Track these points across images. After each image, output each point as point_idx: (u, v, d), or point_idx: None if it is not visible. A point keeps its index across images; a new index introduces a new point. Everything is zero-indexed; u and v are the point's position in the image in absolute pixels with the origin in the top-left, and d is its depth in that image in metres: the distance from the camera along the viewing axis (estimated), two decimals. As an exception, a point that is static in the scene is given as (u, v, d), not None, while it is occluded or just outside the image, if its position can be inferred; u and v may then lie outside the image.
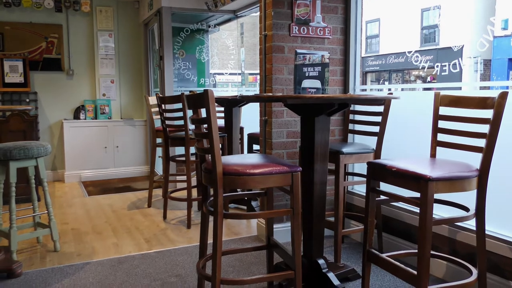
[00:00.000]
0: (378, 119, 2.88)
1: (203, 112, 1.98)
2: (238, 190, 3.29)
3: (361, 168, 3.11)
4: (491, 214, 2.12)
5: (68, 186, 4.90)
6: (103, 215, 3.62)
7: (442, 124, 2.14)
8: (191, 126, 3.34)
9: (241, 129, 4.15)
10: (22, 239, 2.60)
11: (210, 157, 1.81)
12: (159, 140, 5.00)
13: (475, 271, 1.85)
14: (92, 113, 5.40)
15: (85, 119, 5.34)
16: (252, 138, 3.86)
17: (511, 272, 1.97)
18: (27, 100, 5.03)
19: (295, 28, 2.87)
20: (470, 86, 2.30)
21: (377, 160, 1.97)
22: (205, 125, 1.86)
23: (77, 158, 5.22)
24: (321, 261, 2.08)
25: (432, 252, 2.14)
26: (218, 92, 5.67)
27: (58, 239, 2.78)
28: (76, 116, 5.34)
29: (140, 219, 3.48)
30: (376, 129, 2.88)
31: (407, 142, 2.70)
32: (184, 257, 2.62)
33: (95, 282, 2.28)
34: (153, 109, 3.87)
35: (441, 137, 2.14)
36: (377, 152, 2.64)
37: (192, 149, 4.00)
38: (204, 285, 2.11)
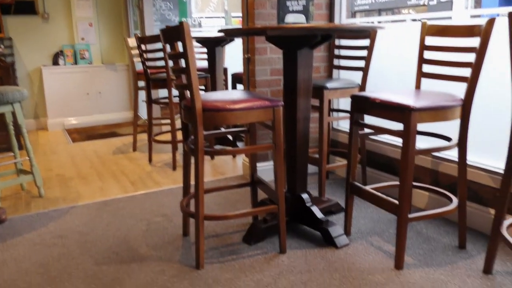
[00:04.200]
0: (364, 53, 2.81)
1: (181, 47, 1.89)
2: (223, 129, 3.26)
3: (346, 104, 3.08)
4: (472, 144, 2.13)
5: (52, 134, 4.83)
6: (88, 161, 3.59)
7: (428, 55, 2.09)
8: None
9: (225, 69, 4.06)
10: (4, 186, 2.57)
11: (189, 94, 1.76)
12: (141, 84, 4.89)
13: (455, 200, 1.88)
14: (72, 59, 5.21)
15: (64, 64, 5.16)
16: (236, 78, 3.78)
17: (490, 200, 2.01)
18: (2, 46, 4.82)
19: (276, -43, 2.70)
20: (460, 15, 2.21)
21: (361, 93, 1.93)
22: (183, 60, 1.78)
23: (59, 105, 5.10)
24: (304, 196, 2.09)
25: (414, 183, 2.17)
26: (202, 33, 5.48)
27: (42, 185, 2.76)
28: (55, 62, 5.15)
29: (125, 163, 3.46)
30: (361, 63, 2.81)
31: (393, 76, 2.65)
32: (170, 198, 2.63)
33: (81, 224, 2.29)
34: (133, 51, 3.73)
35: (426, 68, 2.09)
36: (362, 87, 2.59)
37: (176, 91, 3.91)
38: (189, 223, 2.13)
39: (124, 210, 2.46)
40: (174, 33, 1.78)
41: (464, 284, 1.60)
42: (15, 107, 2.59)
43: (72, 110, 5.18)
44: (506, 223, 1.60)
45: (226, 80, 4.06)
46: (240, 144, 3.65)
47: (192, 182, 2.66)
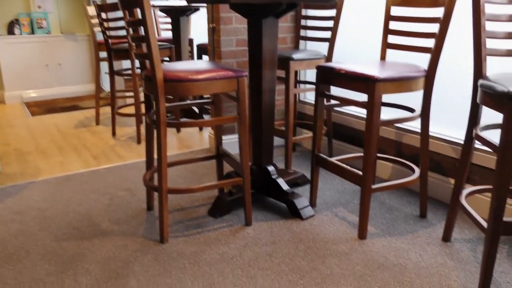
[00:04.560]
0: (331, 24, 2.78)
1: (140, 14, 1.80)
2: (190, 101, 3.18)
3: (313, 76, 3.06)
4: (435, 115, 2.16)
5: (9, 107, 4.61)
6: (48, 135, 3.45)
7: (393, 25, 2.07)
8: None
9: (191, 40, 3.94)
10: (-44, 161, 2.44)
11: (149, 63, 1.68)
12: (103, 55, 4.71)
13: (417, 170, 1.92)
14: (28, 28, 4.93)
15: (20, 34, 4.88)
16: (202, 49, 3.68)
17: (450, 170, 2.06)
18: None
19: None
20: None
21: (326, 64, 1.91)
22: (142, 28, 1.70)
23: (16, 77, 4.85)
24: (270, 168, 2.08)
25: (378, 154, 2.19)
26: (166, 1, 5.28)
27: (-2, 159, 2.64)
28: (11, 32, 4.87)
29: (87, 137, 3.35)
30: (328, 34, 2.78)
31: (359, 47, 2.63)
32: (134, 172, 2.57)
33: (40, 200, 2.20)
34: (93, 21, 3.55)
35: (391, 39, 2.09)
36: (329, 58, 2.57)
37: (138, 62, 3.78)
38: (153, 197, 2.09)
39: (86, 185, 2.39)
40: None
41: (424, 252, 1.64)
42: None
43: (30, 83, 4.95)
44: (464, 192, 1.64)
45: (192, 52, 3.95)
46: (206, 117, 3.59)
47: (156, 155, 2.60)
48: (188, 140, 3.19)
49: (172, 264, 1.61)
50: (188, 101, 3.22)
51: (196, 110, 3.70)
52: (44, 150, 3.04)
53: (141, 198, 2.20)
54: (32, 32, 4.94)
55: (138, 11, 1.80)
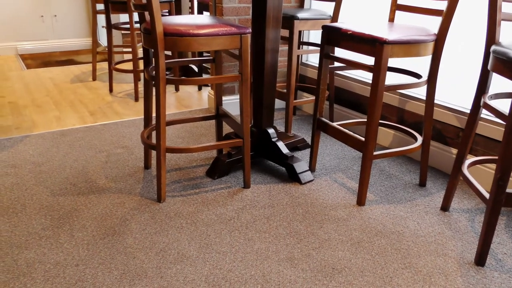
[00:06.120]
0: (338, -17, 2.66)
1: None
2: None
3: (316, 38, 2.97)
4: (440, 83, 2.11)
5: (3, 59, 4.49)
6: (43, 89, 3.38)
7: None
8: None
9: (191, -5, 3.80)
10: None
11: (149, 16, 1.61)
12: (100, 7, 4.55)
13: (420, 138, 1.88)
14: (22, -24, 4.73)
15: (14, -18, 4.69)
16: (202, 5, 3.55)
17: (452, 139, 2.03)
18: None
19: None
20: None
21: (332, 24, 1.83)
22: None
23: (10, 27, 4.70)
24: (270, 130, 2.04)
25: (380, 121, 2.16)
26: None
27: (-8, 112, 2.59)
28: (3, -21, 4.67)
29: (84, 93, 3.28)
30: (335, -6, 2.67)
31: (366, 9, 2.54)
32: (131, 129, 2.53)
33: (36, 154, 2.17)
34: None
35: (401, 0, 2.00)
36: (334, 18, 2.48)
37: (137, 16, 3.65)
38: (151, 156, 2.06)
39: (82, 141, 2.35)
40: None
41: (422, 220, 1.64)
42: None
43: (25, 34, 4.80)
44: (467, 162, 1.62)
45: (192, 7, 3.82)
46: (206, 76, 3.51)
47: (154, 113, 2.55)
48: (187, 100, 3.12)
49: (169, 223, 1.60)
50: (188, 59, 3.14)
51: (195, 68, 3.61)
52: (40, 104, 2.98)
53: (138, 156, 2.17)
54: (26, -19, 4.74)
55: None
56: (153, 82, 1.69)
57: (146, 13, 1.77)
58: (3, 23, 4.64)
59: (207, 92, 3.36)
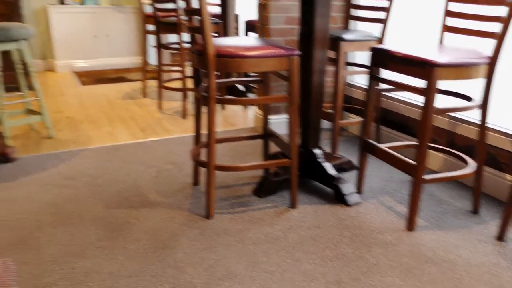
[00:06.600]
0: (385, 3, 2.66)
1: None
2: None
3: (361, 58, 2.97)
4: (493, 106, 2.05)
5: (60, 76, 4.76)
6: (97, 105, 3.55)
7: (454, 7, 1.96)
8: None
9: (236, 16, 3.91)
10: (14, 124, 2.55)
11: (201, 37, 1.68)
12: (150, 28, 4.75)
13: (472, 163, 1.84)
14: (79, -2, 5.04)
15: (71, 4, 4.99)
16: (249, 26, 3.65)
17: (507, 165, 1.96)
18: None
19: None
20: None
21: (381, 45, 1.84)
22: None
23: (66, 46, 4.99)
24: (317, 151, 2.05)
25: (429, 144, 2.12)
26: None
27: (52, 126, 2.74)
28: (62, 1, 4.99)
29: (135, 109, 3.42)
30: (381, 14, 2.67)
31: (414, 30, 2.52)
32: (180, 146, 2.61)
33: (91, 168, 2.28)
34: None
35: (451, 22, 1.98)
36: (381, 40, 2.48)
37: (185, 37, 3.78)
38: (199, 172, 2.11)
39: (133, 156, 2.45)
40: (190, -27, 1.67)
41: (476, 249, 1.59)
42: (21, 45, 2.51)
43: (80, 52, 5.08)
44: (524, 189, 1.56)
45: (237, 28, 3.92)
46: (251, 96, 3.58)
47: (203, 131, 2.62)
48: (233, 118, 3.19)
49: (217, 240, 1.63)
50: (236, 78, 3.22)
51: (241, 87, 3.69)
52: (95, 120, 3.14)
53: (186, 172, 2.24)
54: (82, 3, 5.04)
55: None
56: (203, 101, 1.75)
57: (197, 35, 1.84)
58: (61, 42, 4.94)
59: (252, 110, 3.42)
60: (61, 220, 1.77)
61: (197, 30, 1.76)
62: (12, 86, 3.65)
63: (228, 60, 1.66)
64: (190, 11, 1.74)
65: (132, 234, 1.67)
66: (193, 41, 1.83)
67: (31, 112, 2.80)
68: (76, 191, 2.03)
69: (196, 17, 1.78)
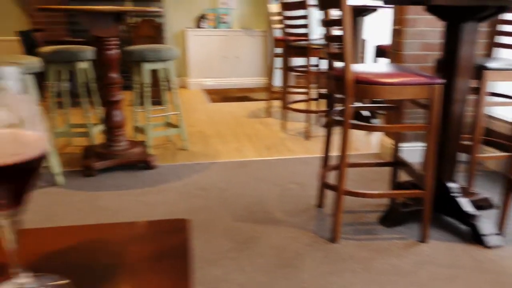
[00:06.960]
0: (540, 30, 2.42)
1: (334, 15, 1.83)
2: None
3: (505, 89, 2.72)
4: None
5: (192, 93, 5.19)
6: (225, 121, 3.79)
7: None
8: (313, 35, 3.19)
9: (363, 41, 3.88)
10: (156, 135, 2.84)
11: (337, 64, 1.70)
12: (277, 50, 4.93)
13: None
14: (213, 23, 5.46)
15: (206, 28, 5.44)
16: (379, 51, 3.59)
17: None
18: (161, 7, 5.23)
19: None
20: None
21: (540, 76, 1.67)
22: (337, 27, 1.73)
23: (199, 66, 5.44)
24: (452, 184, 1.92)
25: None
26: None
27: (187, 139, 3.00)
28: (198, 25, 5.46)
29: (259, 128, 3.58)
30: (534, 42, 2.43)
31: None
32: (303, 167, 2.65)
33: (220, 180, 2.43)
34: (273, 18, 3.76)
35: None
36: (534, 70, 2.25)
37: (313, 60, 3.87)
38: (325, 195, 2.12)
39: (259, 173, 2.55)
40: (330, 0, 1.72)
41: None
42: (168, 65, 2.81)
43: (210, 72, 5.49)
44: None
45: (363, 53, 3.89)
46: (374, 121, 3.50)
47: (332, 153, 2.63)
48: (355, 142, 3.15)
49: (343, 265, 1.61)
50: (370, 104, 3.17)
51: (365, 113, 3.63)
52: (223, 135, 3.35)
53: (310, 193, 2.26)
54: (216, 27, 5.46)
55: (331, 11, 1.83)
56: (334, 125, 1.77)
57: (334, 61, 1.87)
58: (194, 62, 5.40)
59: (376, 136, 3.34)
60: (196, 228, 1.91)
61: (337, 57, 1.79)
62: (155, 100, 4.08)
63: (367, 87, 1.66)
64: (331, 38, 1.79)
65: (258, 249, 1.73)
66: (330, 67, 1.87)
67: (170, 125, 3.09)
68: (207, 201, 2.17)
69: (335, 43, 1.82)
